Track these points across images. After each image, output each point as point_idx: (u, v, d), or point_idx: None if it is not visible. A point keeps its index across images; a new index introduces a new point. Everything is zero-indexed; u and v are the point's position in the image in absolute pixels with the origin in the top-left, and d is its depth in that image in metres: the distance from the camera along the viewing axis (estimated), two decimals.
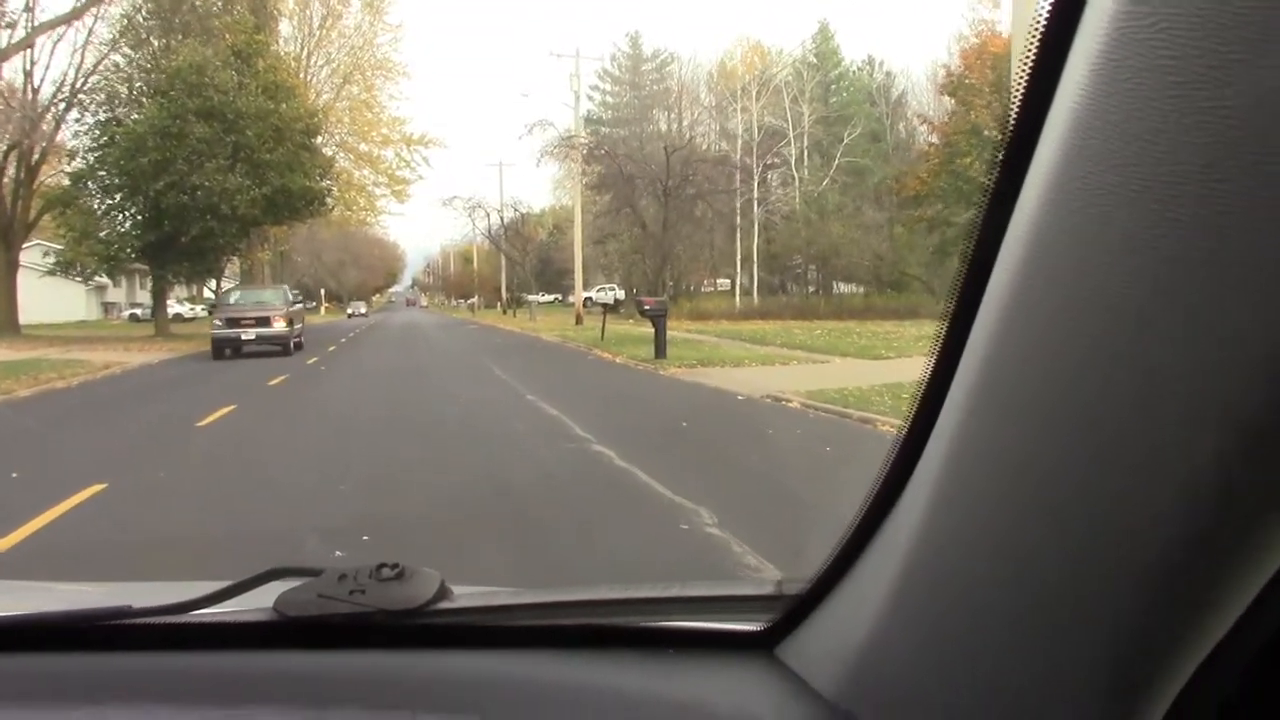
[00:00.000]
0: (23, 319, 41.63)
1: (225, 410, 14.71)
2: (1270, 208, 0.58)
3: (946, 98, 55.41)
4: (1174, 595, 0.71)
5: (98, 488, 8.44)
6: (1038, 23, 0.74)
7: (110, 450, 11.50)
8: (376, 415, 14.54)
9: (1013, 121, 0.77)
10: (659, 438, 11.50)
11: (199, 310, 74.67)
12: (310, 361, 26.98)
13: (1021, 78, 0.76)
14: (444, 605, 1.27)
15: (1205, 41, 0.60)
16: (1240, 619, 0.72)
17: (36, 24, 39.03)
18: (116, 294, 77.16)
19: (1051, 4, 0.72)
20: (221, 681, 1.26)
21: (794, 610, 1.20)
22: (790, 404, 14.65)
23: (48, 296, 57.21)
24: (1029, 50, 0.75)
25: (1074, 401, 0.72)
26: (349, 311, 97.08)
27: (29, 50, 40.15)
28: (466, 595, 1.33)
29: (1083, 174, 0.69)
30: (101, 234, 37.56)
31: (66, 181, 40.00)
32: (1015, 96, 0.77)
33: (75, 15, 39.74)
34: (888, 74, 74.91)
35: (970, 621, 0.88)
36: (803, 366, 22.12)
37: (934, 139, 56.40)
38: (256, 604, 1.29)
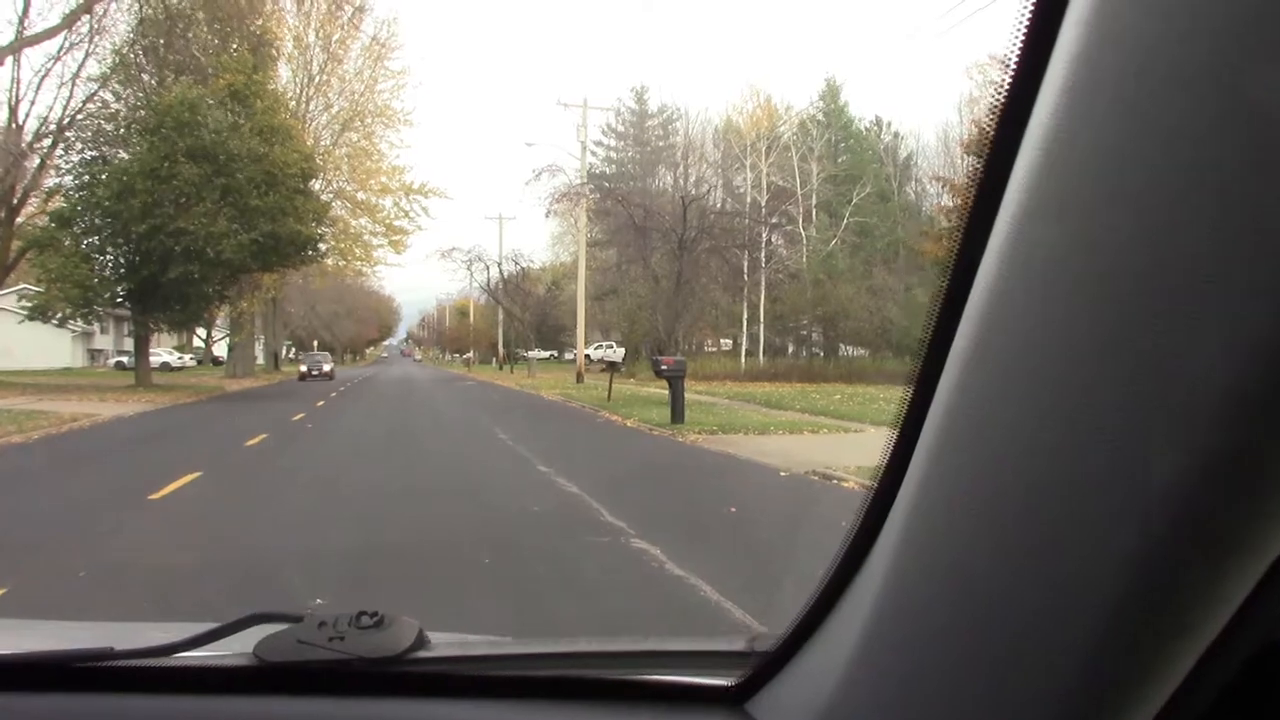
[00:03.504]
0: (4, 364, 39.57)
1: (189, 478, 12.62)
2: (1180, 266, 0.64)
3: (970, 157, 53.88)
4: (1142, 635, 0.74)
5: None
6: (1000, 90, 0.78)
7: (27, 533, 9.21)
8: (368, 483, 12.49)
9: (976, 183, 0.82)
10: (709, 531, 9.40)
11: (187, 359, 72.72)
12: (296, 419, 24.93)
13: (987, 138, 0.80)
14: (422, 654, 1.28)
15: (1132, 125, 0.66)
16: (1207, 654, 0.76)
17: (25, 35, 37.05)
18: (104, 340, 75.18)
19: (1012, 75, 0.77)
20: None
21: (765, 665, 1.21)
22: (845, 484, 12.61)
23: (31, 342, 55.28)
24: (993, 113, 0.79)
25: (1033, 451, 0.76)
26: (303, 369, 61.27)
27: (15, 84, 38.48)
28: (444, 644, 1.34)
29: (1036, 238, 0.74)
30: (80, 277, 35.42)
31: (48, 222, 37.96)
32: (980, 157, 0.81)
33: (53, 33, 37.73)
34: (896, 135, 73.91)
35: (938, 675, 0.89)
36: (835, 436, 20.10)
37: (954, 200, 54.79)
38: (237, 648, 1.29)
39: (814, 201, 66.49)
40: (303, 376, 58.75)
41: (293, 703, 1.27)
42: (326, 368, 61.70)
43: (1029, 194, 0.74)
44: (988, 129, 0.79)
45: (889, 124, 74.21)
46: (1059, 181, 0.72)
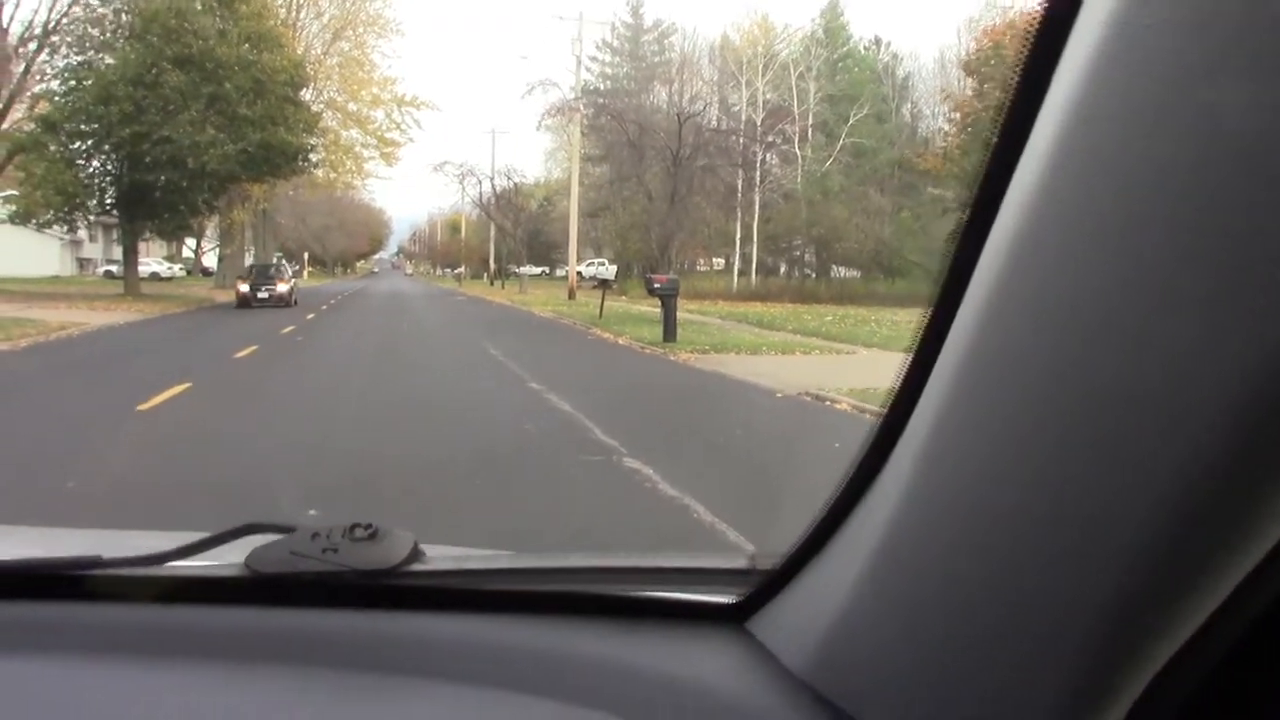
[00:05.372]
0: None
1: (178, 389, 12.52)
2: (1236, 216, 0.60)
3: (968, 77, 53.23)
4: (1150, 595, 0.72)
5: None
6: (1032, 25, 0.74)
7: (13, 443, 9.08)
8: (358, 399, 12.49)
9: (1004, 118, 0.78)
10: (702, 451, 9.34)
11: (177, 269, 72.26)
12: (285, 331, 24.80)
13: (1015, 72, 0.76)
14: (416, 567, 1.25)
15: (1192, 54, 0.62)
16: (1211, 618, 0.74)
17: None
18: (93, 249, 74.63)
19: (1044, 6, 0.72)
20: (190, 635, 1.24)
21: (767, 584, 1.18)
22: (839, 405, 12.57)
23: (19, 249, 54.83)
24: (1024, 46, 0.75)
25: (1061, 389, 0.72)
26: (242, 289, 38.46)
27: None
28: (440, 558, 1.31)
29: (1072, 174, 0.71)
30: (62, 182, 34.95)
31: (34, 127, 37.36)
32: (1008, 92, 0.77)
33: None
34: (894, 55, 72.98)
35: (941, 606, 0.87)
36: (827, 357, 20.08)
37: (954, 115, 54.30)
38: (229, 559, 1.27)
39: (810, 121, 65.80)
40: (242, 300, 37.70)
41: (284, 614, 1.25)
42: (282, 288, 39.00)
43: (1074, 97, 0.69)
44: (1013, 74, 0.74)
45: (888, 44, 73.35)
46: (1105, 88, 0.67)
